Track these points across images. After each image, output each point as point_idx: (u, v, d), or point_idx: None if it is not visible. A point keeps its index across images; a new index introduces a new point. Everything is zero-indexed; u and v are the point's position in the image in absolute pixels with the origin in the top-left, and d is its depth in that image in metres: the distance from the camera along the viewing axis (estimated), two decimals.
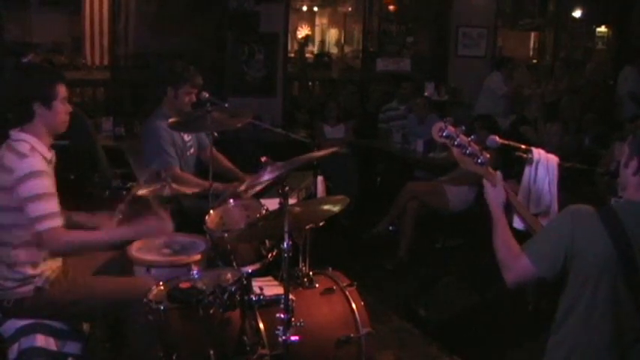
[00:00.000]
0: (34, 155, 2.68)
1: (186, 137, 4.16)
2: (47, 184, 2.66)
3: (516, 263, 2.14)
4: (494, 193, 2.30)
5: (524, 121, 6.60)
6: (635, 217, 2.03)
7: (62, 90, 2.81)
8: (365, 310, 3.02)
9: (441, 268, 5.03)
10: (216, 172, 3.77)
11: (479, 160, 2.29)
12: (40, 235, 2.63)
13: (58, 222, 2.65)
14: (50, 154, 2.80)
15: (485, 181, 2.31)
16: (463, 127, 2.31)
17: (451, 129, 2.28)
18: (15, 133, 2.74)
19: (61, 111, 2.82)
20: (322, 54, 12.08)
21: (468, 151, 2.28)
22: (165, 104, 4.10)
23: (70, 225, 2.86)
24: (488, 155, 2.31)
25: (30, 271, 2.73)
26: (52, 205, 2.66)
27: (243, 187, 3.29)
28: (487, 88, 7.70)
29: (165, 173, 3.84)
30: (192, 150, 4.23)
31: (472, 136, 2.31)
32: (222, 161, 4.28)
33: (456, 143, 2.28)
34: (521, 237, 2.26)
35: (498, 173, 2.31)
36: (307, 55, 11.79)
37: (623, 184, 2.18)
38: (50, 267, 2.81)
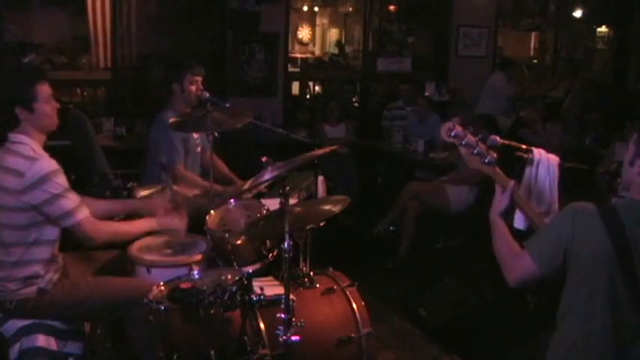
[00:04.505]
0: (43, 157, 2.69)
1: (195, 135, 4.20)
2: (61, 181, 2.69)
3: (518, 262, 2.15)
4: (498, 198, 2.31)
5: (521, 123, 6.61)
6: (636, 215, 2.04)
7: (44, 89, 2.74)
8: (365, 310, 3.02)
9: (442, 268, 5.03)
10: (214, 177, 3.79)
11: (486, 160, 2.32)
12: (74, 229, 2.71)
13: (85, 212, 2.73)
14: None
15: (497, 186, 2.32)
16: (471, 127, 2.33)
17: (459, 129, 2.31)
18: (13, 136, 2.73)
19: (46, 111, 2.75)
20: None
21: (475, 151, 2.31)
22: (175, 100, 4.15)
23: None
24: (495, 155, 2.33)
25: (35, 271, 2.73)
26: (74, 199, 2.72)
27: (246, 186, 3.29)
28: (492, 88, 7.68)
29: (168, 169, 3.89)
30: (198, 149, 4.26)
31: (480, 136, 2.33)
32: (221, 167, 4.29)
33: (463, 143, 2.31)
34: (521, 237, 2.27)
35: (512, 182, 2.32)
36: (308, 55, 11.80)
37: (626, 183, 2.18)
38: (53, 268, 2.81)
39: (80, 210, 2.72)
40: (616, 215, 2.03)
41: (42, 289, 2.75)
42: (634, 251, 1.99)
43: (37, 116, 2.73)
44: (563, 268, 2.08)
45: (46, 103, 2.75)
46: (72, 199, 2.71)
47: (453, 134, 2.31)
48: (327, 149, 3.09)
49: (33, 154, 2.67)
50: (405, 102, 7.08)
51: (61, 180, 2.69)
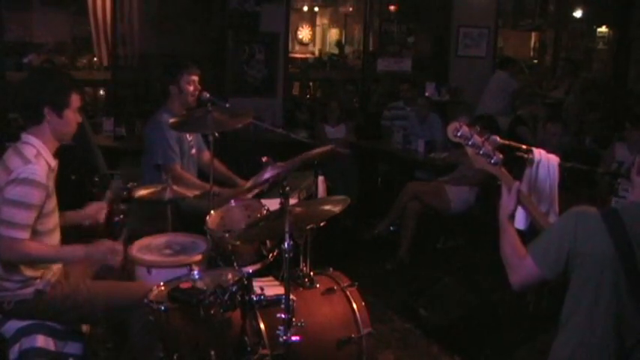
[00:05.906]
0: (39, 162, 2.66)
1: (189, 136, 4.19)
2: (35, 196, 2.60)
3: (521, 265, 2.15)
4: (505, 200, 2.30)
5: (520, 121, 6.60)
6: (637, 217, 2.04)
7: (76, 100, 2.79)
8: (365, 310, 3.03)
9: (442, 268, 5.03)
10: (214, 178, 3.79)
11: (492, 161, 2.32)
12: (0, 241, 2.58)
13: (23, 234, 2.59)
14: (54, 162, 2.78)
15: (503, 187, 2.32)
16: (478, 127, 2.33)
17: (466, 129, 2.32)
18: (24, 136, 2.73)
19: (72, 121, 2.79)
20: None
21: (482, 151, 2.31)
22: (173, 102, 4.16)
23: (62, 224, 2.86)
24: (501, 156, 2.32)
25: (29, 273, 2.72)
26: (27, 216, 2.59)
27: (248, 185, 3.29)
28: (495, 88, 7.67)
29: (165, 170, 3.88)
30: (193, 150, 4.25)
31: (486, 136, 2.33)
32: (220, 168, 4.29)
33: (470, 143, 2.31)
34: (521, 237, 2.27)
35: (517, 182, 2.32)
36: (308, 55, 11.80)
37: (632, 188, 2.19)
38: (51, 270, 2.80)
39: (22, 230, 2.58)
40: (618, 218, 2.03)
41: (40, 290, 2.74)
42: (637, 253, 1.99)
43: (63, 122, 2.76)
44: (566, 272, 2.09)
45: (74, 113, 2.79)
46: (26, 217, 2.59)
47: (459, 134, 2.31)
48: (325, 148, 3.08)
49: (31, 157, 2.65)
50: (405, 102, 7.08)
51: (37, 194, 2.60)
